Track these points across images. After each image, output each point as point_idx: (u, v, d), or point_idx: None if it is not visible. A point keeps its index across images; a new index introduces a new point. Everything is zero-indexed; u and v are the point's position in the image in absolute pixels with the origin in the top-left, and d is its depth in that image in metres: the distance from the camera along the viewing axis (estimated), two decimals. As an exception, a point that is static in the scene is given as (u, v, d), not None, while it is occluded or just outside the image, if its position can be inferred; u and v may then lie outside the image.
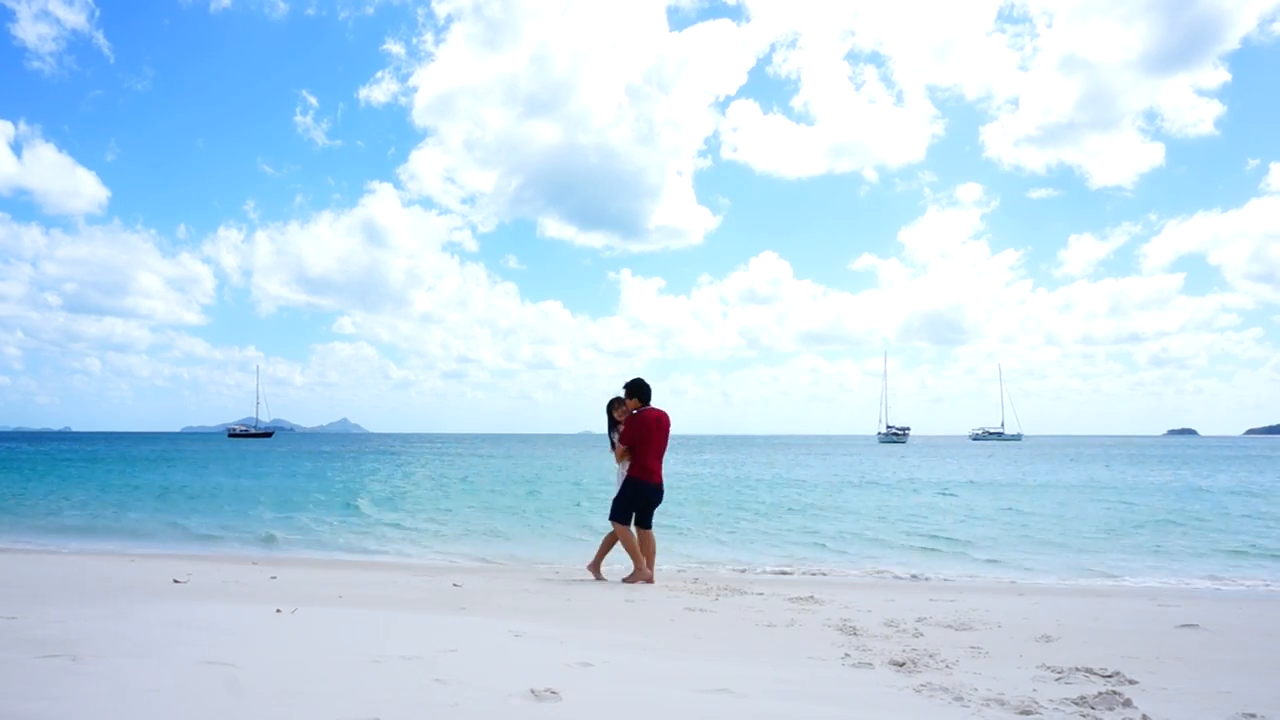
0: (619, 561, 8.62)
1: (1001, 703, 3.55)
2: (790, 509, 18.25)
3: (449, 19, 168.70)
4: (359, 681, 3.36)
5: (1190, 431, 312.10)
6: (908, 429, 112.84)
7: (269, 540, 13.04)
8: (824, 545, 12.86)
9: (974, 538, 13.62)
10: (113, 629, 4.33)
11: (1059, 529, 15.02)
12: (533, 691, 3.25)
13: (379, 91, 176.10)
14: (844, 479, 30.68)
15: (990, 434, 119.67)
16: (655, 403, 8.15)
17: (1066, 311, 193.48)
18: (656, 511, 8.17)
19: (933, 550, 12.31)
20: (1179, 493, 23.52)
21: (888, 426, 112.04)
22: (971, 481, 29.12)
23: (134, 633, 4.25)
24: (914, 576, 9.86)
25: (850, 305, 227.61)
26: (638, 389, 8.02)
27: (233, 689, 3.12)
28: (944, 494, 23.38)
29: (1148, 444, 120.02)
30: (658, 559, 8.54)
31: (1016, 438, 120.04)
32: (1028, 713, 3.41)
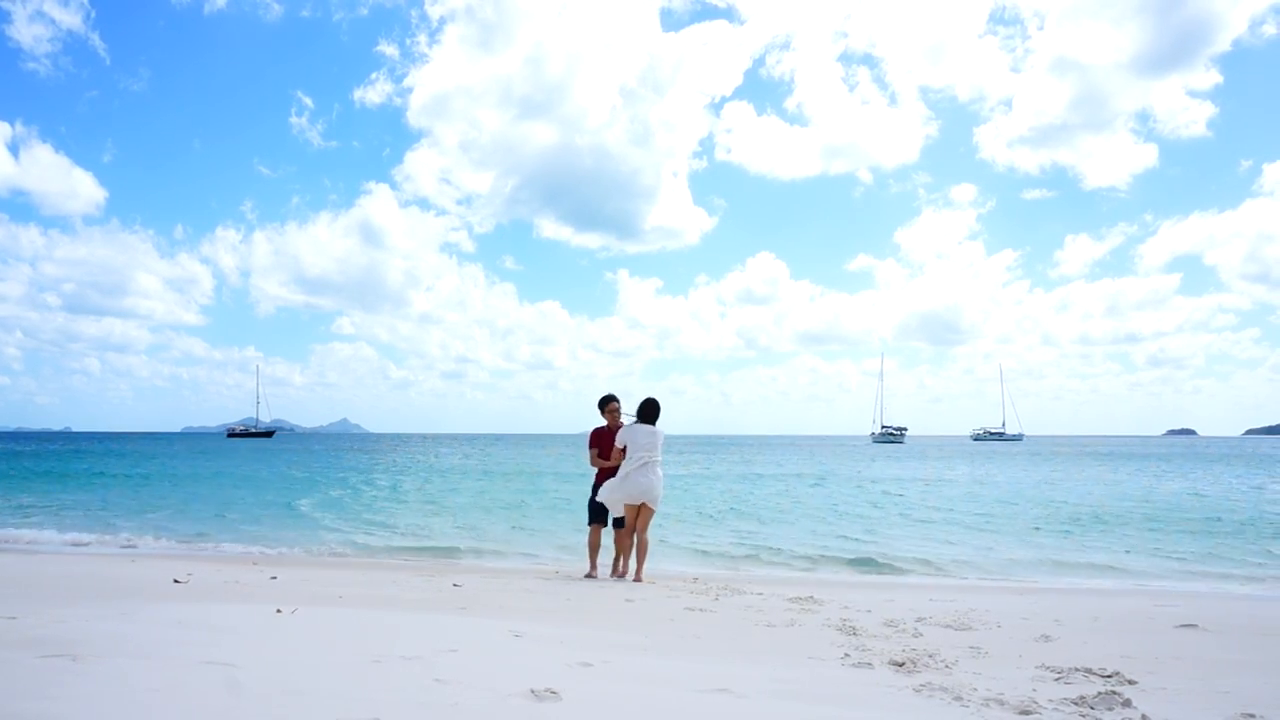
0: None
1: (1001, 703, 3.55)
2: (702, 511, 18.13)
3: (442, 20, 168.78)
4: (359, 681, 3.36)
5: (1190, 431, 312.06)
6: (904, 429, 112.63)
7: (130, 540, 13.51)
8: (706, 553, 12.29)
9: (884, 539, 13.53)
10: (113, 629, 4.33)
11: (972, 527, 15.22)
12: (533, 691, 3.26)
13: (374, 93, 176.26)
14: (803, 479, 30.72)
15: (991, 434, 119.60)
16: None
17: (1063, 312, 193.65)
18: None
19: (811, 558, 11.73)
20: (1130, 494, 23.42)
21: (883, 426, 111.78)
22: (930, 481, 29.08)
23: (134, 633, 4.25)
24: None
25: (848, 305, 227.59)
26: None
27: (233, 689, 3.12)
28: (889, 493, 23.45)
29: (1146, 444, 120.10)
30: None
31: (1018, 438, 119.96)
32: (1027, 713, 3.41)
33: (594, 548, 8.38)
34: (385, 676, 3.45)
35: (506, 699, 3.17)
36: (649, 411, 8.07)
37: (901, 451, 71.63)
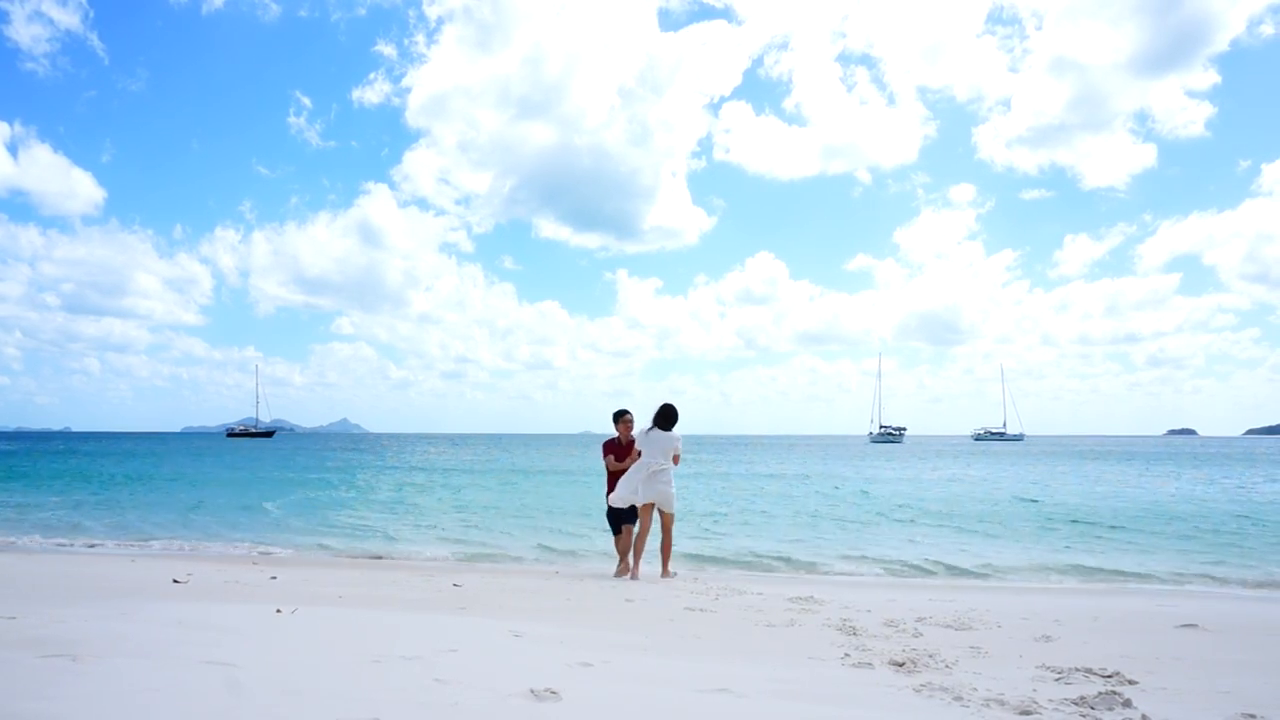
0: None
1: (1001, 703, 3.55)
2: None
3: (440, 21, 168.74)
4: (359, 681, 3.36)
5: (1190, 431, 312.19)
6: (904, 429, 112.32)
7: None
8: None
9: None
10: (113, 629, 4.33)
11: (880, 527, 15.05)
12: (532, 691, 3.26)
13: (372, 93, 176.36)
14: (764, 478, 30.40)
15: (992, 434, 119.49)
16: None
17: (1063, 312, 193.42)
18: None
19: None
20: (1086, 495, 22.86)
21: (881, 426, 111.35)
22: (913, 480, 28.89)
23: (134, 633, 4.25)
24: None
25: (847, 305, 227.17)
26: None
27: (233, 689, 3.12)
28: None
29: (1144, 444, 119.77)
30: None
31: (1019, 438, 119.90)
32: (1027, 713, 3.41)
33: (624, 549, 8.69)
34: (385, 676, 3.45)
35: (506, 699, 3.17)
36: (665, 417, 8.24)
37: (898, 451, 71.50)
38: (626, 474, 8.28)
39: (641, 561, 8.48)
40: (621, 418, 8.70)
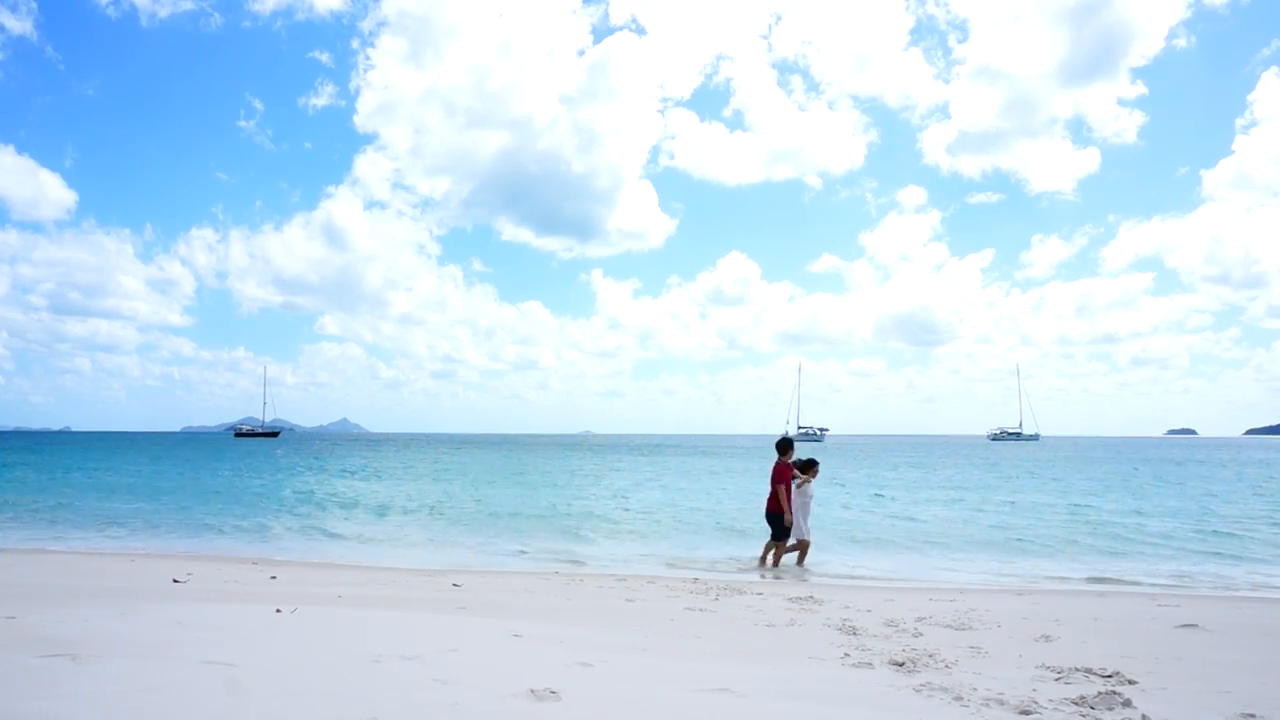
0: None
1: (1001, 702, 3.55)
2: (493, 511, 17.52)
3: (381, 26, 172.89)
4: (359, 681, 3.36)
5: (1190, 431, 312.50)
6: (825, 429, 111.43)
7: None
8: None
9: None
10: (113, 629, 4.33)
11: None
12: (533, 691, 3.26)
13: (321, 99, 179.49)
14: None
15: (1009, 434, 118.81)
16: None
17: (1039, 312, 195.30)
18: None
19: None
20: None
21: (800, 427, 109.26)
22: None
23: (134, 633, 4.25)
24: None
25: (824, 306, 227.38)
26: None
27: (233, 689, 3.12)
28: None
29: (1141, 445, 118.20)
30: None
31: (1034, 438, 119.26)
32: (1027, 712, 3.41)
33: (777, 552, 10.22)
34: (385, 676, 3.45)
35: (506, 699, 3.17)
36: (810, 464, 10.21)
37: (814, 451, 67.47)
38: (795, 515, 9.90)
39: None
40: (789, 448, 10.15)
